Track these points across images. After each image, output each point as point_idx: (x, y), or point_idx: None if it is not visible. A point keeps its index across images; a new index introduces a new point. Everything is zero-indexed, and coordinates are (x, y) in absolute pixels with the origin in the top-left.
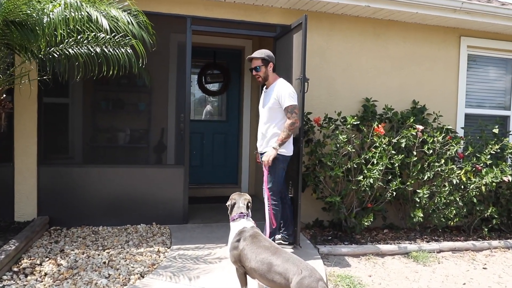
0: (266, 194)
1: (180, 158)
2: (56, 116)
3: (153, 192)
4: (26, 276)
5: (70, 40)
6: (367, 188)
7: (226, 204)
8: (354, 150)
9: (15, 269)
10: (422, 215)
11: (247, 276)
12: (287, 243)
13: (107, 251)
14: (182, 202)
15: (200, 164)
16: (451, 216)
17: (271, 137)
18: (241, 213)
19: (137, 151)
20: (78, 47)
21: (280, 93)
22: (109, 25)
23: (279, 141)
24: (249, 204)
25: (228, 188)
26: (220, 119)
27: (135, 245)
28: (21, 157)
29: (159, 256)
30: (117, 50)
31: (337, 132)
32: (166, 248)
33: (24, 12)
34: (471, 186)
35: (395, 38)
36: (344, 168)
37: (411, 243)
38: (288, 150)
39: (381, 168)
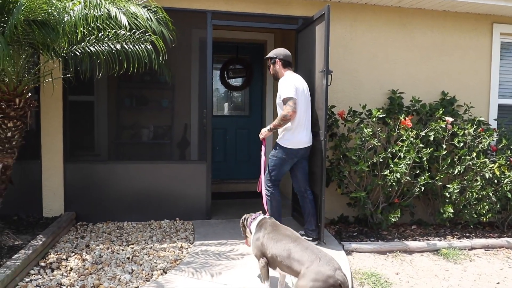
0: (263, 181)
1: (203, 154)
2: (81, 113)
3: (176, 188)
4: (52, 270)
5: (92, 38)
6: (393, 183)
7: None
8: (380, 144)
9: (42, 264)
10: (452, 211)
11: (269, 269)
12: (310, 238)
13: (131, 246)
14: (205, 198)
15: (223, 159)
16: (484, 211)
17: (281, 131)
18: (256, 216)
19: (161, 147)
20: (99, 44)
21: (279, 88)
22: (128, 21)
23: (272, 125)
24: None
25: (251, 184)
26: (243, 114)
27: (158, 240)
28: (48, 154)
29: (182, 252)
30: (137, 47)
31: (362, 125)
32: (189, 244)
33: (45, 10)
34: (506, 181)
35: (422, 27)
36: (369, 163)
37: (440, 240)
38: (288, 142)
39: (408, 162)
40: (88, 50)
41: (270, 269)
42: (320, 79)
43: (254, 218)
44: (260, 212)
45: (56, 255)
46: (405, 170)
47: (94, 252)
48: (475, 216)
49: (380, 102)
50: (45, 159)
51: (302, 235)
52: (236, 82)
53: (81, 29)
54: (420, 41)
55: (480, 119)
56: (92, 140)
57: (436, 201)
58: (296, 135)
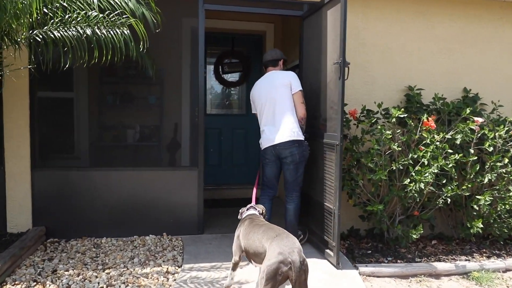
0: None
1: (194, 158)
2: (53, 112)
3: (163, 198)
4: None
5: (56, 20)
6: (415, 194)
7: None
8: (400, 148)
9: None
10: (481, 226)
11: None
12: None
13: (107, 271)
14: (196, 209)
15: (218, 163)
16: None
17: None
18: (250, 206)
19: (145, 151)
20: (65, 29)
21: None
22: None
23: None
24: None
25: (248, 189)
26: (240, 113)
27: (140, 263)
28: (13, 159)
29: (168, 280)
30: (111, 32)
31: (378, 127)
32: (177, 268)
33: None
34: None
35: (441, 16)
36: (387, 171)
37: (469, 260)
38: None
39: (435, 171)
40: (52, 36)
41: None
42: (334, 72)
43: (241, 214)
44: (251, 205)
45: (14, 285)
46: (430, 180)
47: (61, 280)
48: (506, 231)
49: (395, 99)
50: (9, 165)
51: None
52: (232, 77)
53: (36, 5)
54: (439, 32)
55: (511, 119)
56: (65, 144)
57: (459, 212)
58: (261, 134)
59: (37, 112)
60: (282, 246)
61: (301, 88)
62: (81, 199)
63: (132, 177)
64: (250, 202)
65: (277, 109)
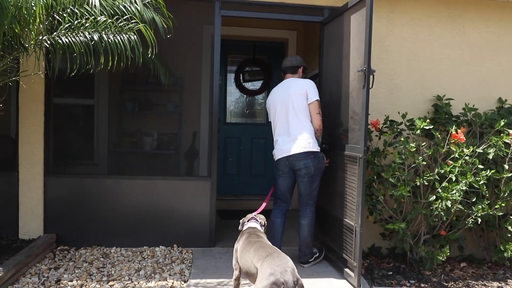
0: None
1: (207, 168)
2: (67, 119)
3: (175, 209)
4: None
5: (65, 26)
6: (441, 213)
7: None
8: (425, 162)
9: None
10: None
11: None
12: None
13: (110, 283)
14: (208, 221)
15: (237, 172)
16: None
17: None
18: (252, 217)
19: (158, 161)
20: (73, 34)
21: None
22: (102, 2)
23: None
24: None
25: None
26: (260, 122)
27: (146, 276)
28: (26, 165)
29: None
30: (118, 37)
31: (402, 139)
32: (182, 283)
33: None
34: None
35: (475, 21)
36: (410, 186)
37: (502, 286)
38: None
39: (464, 188)
40: (60, 41)
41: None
42: (357, 81)
43: (242, 225)
44: (252, 215)
45: None
46: (458, 198)
47: None
48: None
49: (422, 110)
50: (23, 171)
51: None
52: (253, 85)
53: (40, 11)
54: (472, 38)
55: None
56: (79, 150)
57: (491, 233)
58: (275, 144)
59: (52, 118)
60: (273, 266)
61: (317, 98)
62: (93, 207)
63: (144, 186)
64: (269, 213)
65: (292, 118)
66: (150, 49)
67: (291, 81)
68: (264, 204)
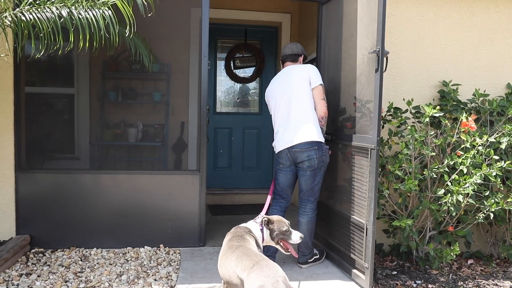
0: None
1: (196, 162)
2: (42, 109)
3: (161, 206)
4: None
5: (29, 0)
6: (451, 207)
7: None
8: (434, 153)
9: None
10: None
11: None
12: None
13: None
14: (197, 219)
15: (228, 165)
16: None
17: None
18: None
19: (144, 154)
20: (39, 10)
21: None
22: None
23: None
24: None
25: (260, 194)
26: (252, 111)
27: (129, 281)
28: None
29: None
30: (90, 13)
31: (410, 128)
32: None
33: None
34: None
35: (485, 1)
36: (418, 179)
37: None
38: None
39: (478, 181)
40: (24, 19)
41: None
42: (367, 63)
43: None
44: (256, 218)
45: None
46: (471, 191)
47: None
48: None
49: (426, 96)
50: None
51: None
52: (244, 73)
53: None
54: (481, 19)
55: None
56: (54, 144)
57: (500, 227)
58: (275, 135)
59: (24, 108)
60: (262, 277)
61: (321, 82)
62: (71, 204)
63: (128, 181)
64: (262, 208)
65: (294, 106)
66: (128, 27)
67: (291, 68)
68: (268, 199)
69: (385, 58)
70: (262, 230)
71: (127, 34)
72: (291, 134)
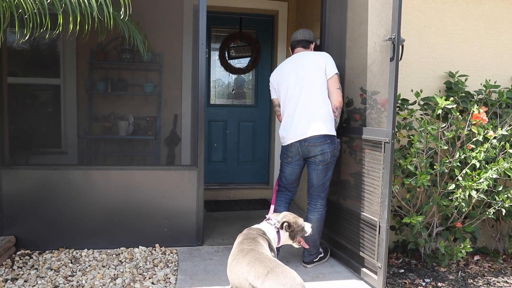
0: None
1: (193, 156)
2: (26, 102)
3: (157, 204)
4: None
5: None
6: (462, 203)
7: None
8: (446, 147)
9: None
10: None
11: None
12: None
13: None
14: (195, 216)
15: (223, 159)
16: None
17: None
18: (268, 218)
19: (136, 148)
20: None
21: None
22: None
23: None
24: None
25: (256, 189)
26: (248, 103)
27: (124, 285)
28: None
29: None
30: None
31: (417, 119)
32: None
33: None
34: None
35: None
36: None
37: None
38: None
39: (493, 176)
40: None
41: None
42: (379, 52)
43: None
44: (269, 215)
45: None
46: (485, 187)
47: None
48: None
49: (432, 87)
50: None
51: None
52: (240, 63)
53: None
54: (488, 8)
55: None
56: (43, 138)
57: (506, 222)
58: (285, 126)
59: (6, 100)
60: (278, 286)
61: (337, 71)
62: (59, 203)
63: (120, 177)
64: (259, 204)
65: (308, 96)
66: (122, 9)
67: (304, 54)
68: (274, 197)
69: (400, 46)
70: (278, 232)
71: (121, 17)
72: (304, 126)
